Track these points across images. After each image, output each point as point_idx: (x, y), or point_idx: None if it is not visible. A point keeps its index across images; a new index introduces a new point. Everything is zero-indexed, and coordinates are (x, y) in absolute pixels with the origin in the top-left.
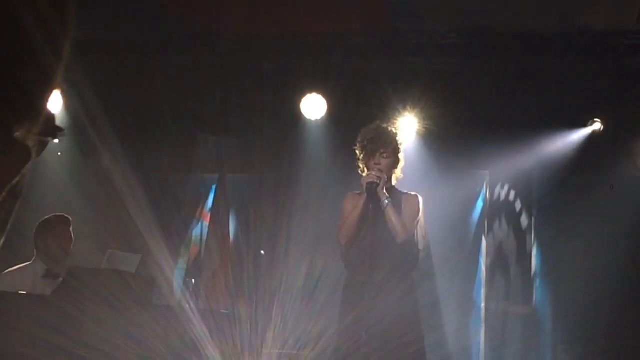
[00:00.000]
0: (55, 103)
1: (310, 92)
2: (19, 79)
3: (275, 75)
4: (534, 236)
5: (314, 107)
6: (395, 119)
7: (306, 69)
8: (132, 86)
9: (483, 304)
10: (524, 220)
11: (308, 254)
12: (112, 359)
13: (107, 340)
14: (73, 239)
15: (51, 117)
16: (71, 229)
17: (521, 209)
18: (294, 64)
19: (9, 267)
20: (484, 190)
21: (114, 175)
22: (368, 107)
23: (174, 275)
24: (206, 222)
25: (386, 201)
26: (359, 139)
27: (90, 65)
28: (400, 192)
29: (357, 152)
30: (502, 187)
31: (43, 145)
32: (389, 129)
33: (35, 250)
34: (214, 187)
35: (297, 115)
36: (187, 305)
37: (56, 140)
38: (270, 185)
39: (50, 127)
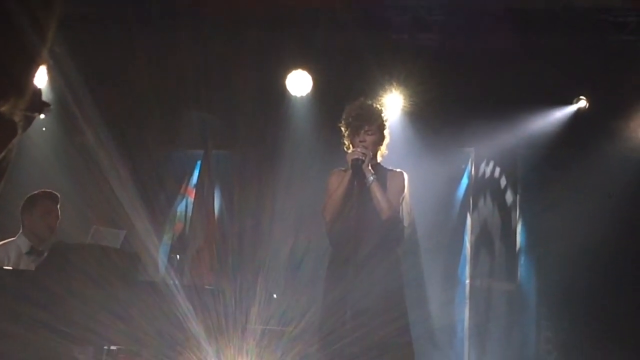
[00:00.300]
0: (40, 79)
1: (296, 68)
2: (3, 56)
3: (261, 52)
4: (519, 213)
5: (299, 83)
6: (380, 96)
7: (291, 45)
8: (116, 63)
9: (467, 281)
10: (508, 197)
11: (293, 231)
12: (96, 335)
13: (91, 316)
14: (59, 216)
15: (37, 92)
16: (58, 206)
17: (506, 186)
18: (279, 40)
19: None
20: (469, 168)
21: (98, 152)
22: (353, 83)
23: (159, 251)
24: (191, 199)
25: (371, 178)
26: (343, 116)
27: (74, 41)
28: (386, 168)
29: (342, 129)
30: (487, 164)
31: (29, 120)
32: (374, 105)
33: (21, 226)
34: (198, 163)
35: (282, 91)
36: (172, 281)
37: (42, 116)
38: (255, 161)
39: (36, 102)
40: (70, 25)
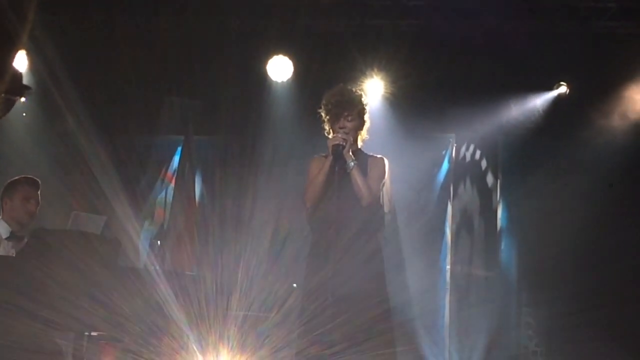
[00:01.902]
0: (20, 64)
1: (276, 53)
2: None
3: (241, 37)
4: (500, 198)
5: (280, 68)
6: (361, 81)
7: (272, 30)
8: (97, 48)
9: (448, 266)
10: (489, 182)
11: (274, 216)
12: (77, 321)
13: (72, 302)
14: (40, 202)
15: (18, 76)
16: (39, 192)
17: (487, 172)
18: (260, 26)
19: None
20: (449, 153)
21: (79, 137)
22: (334, 69)
23: (140, 237)
24: (171, 185)
25: (352, 164)
26: (323, 102)
27: (55, 26)
28: (366, 154)
29: (322, 115)
30: (468, 150)
31: (10, 103)
32: (354, 91)
33: (0, 212)
34: (179, 149)
35: (263, 77)
36: (153, 267)
37: (23, 99)
38: (236, 147)
39: (16, 85)
40: (51, 10)
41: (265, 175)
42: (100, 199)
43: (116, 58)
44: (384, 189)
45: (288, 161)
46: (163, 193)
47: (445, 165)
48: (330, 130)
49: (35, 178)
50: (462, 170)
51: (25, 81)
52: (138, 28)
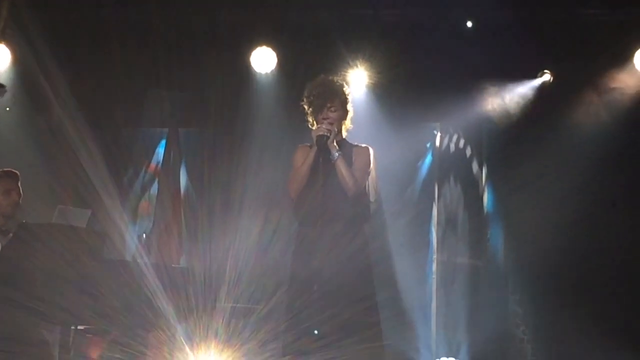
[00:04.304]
0: (4, 57)
1: (260, 45)
2: None
3: (225, 29)
4: (486, 187)
5: (263, 60)
6: (345, 72)
7: (255, 22)
8: (83, 40)
9: (435, 257)
10: (475, 172)
11: (261, 208)
12: (64, 313)
13: (59, 294)
14: (21, 194)
15: None
16: (19, 183)
17: (473, 161)
18: (244, 17)
19: None
20: (434, 143)
21: (66, 130)
22: (318, 59)
23: (127, 229)
24: (156, 177)
25: (337, 154)
26: (305, 94)
27: (42, 18)
28: (351, 144)
29: (305, 107)
30: (453, 140)
31: None
32: (335, 81)
33: None
34: (163, 141)
35: (247, 68)
36: (140, 260)
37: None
38: (221, 138)
39: None
40: (39, 2)
41: (252, 166)
42: (88, 191)
43: (103, 50)
44: (370, 177)
45: (275, 152)
46: (149, 185)
47: (430, 156)
48: (314, 122)
49: (13, 170)
50: (447, 160)
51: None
52: (124, 20)
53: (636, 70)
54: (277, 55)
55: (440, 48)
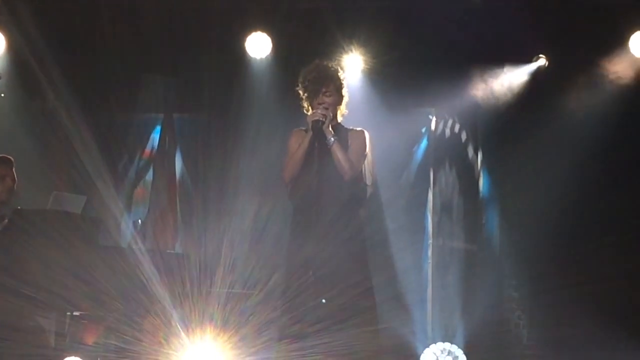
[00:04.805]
0: None
1: (255, 30)
2: None
3: (220, 14)
4: (481, 171)
5: (258, 45)
6: (340, 57)
7: (250, 7)
8: (77, 25)
9: (430, 241)
10: (471, 157)
11: (256, 193)
12: (60, 299)
13: (55, 280)
14: (16, 179)
15: None
16: (14, 169)
17: (468, 146)
18: (238, 2)
19: None
20: (430, 128)
21: (60, 116)
22: (313, 44)
23: (122, 215)
24: (152, 163)
25: (332, 139)
26: (300, 79)
27: (35, 4)
28: (346, 128)
29: (300, 92)
30: (449, 124)
31: None
32: (330, 66)
33: None
34: (158, 127)
35: (242, 53)
36: (135, 246)
37: None
38: (216, 124)
39: None
40: None
41: (247, 151)
42: (82, 177)
43: (97, 35)
44: (366, 161)
45: (270, 138)
46: (144, 171)
47: (425, 141)
48: (309, 108)
49: (7, 156)
50: (442, 145)
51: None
52: (118, 5)
53: (632, 55)
54: (272, 41)
55: (435, 32)
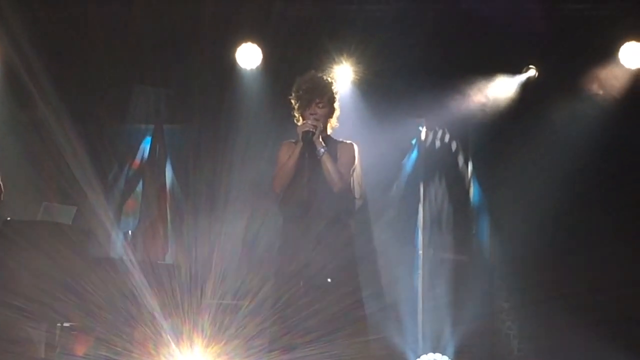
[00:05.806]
0: None
1: (245, 41)
2: None
3: (210, 25)
4: (472, 183)
5: (249, 56)
6: (330, 67)
7: (240, 17)
8: (67, 35)
9: (421, 252)
10: (461, 167)
11: (246, 204)
12: (50, 310)
13: (45, 291)
14: (2, 189)
15: None
16: (1, 179)
17: (458, 157)
18: (229, 13)
19: None
20: (420, 138)
21: (50, 126)
22: (303, 55)
23: (112, 226)
24: (142, 173)
25: (322, 150)
26: (294, 89)
27: (26, 13)
28: (336, 140)
29: (293, 101)
30: (439, 135)
31: None
32: (325, 78)
33: None
34: (148, 138)
35: (232, 64)
36: (126, 257)
37: None
38: (207, 135)
39: None
40: None
41: (238, 162)
42: (73, 187)
43: (88, 45)
44: (354, 174)
45: (260, 149)
46: (135, 181)
47: (416, 151)
48: (300, 117)
49: None
50: (432, 155)
51: None
52: (108, 16)
53: (622, 66)
54: (263, 52)
55: (426, 43)
